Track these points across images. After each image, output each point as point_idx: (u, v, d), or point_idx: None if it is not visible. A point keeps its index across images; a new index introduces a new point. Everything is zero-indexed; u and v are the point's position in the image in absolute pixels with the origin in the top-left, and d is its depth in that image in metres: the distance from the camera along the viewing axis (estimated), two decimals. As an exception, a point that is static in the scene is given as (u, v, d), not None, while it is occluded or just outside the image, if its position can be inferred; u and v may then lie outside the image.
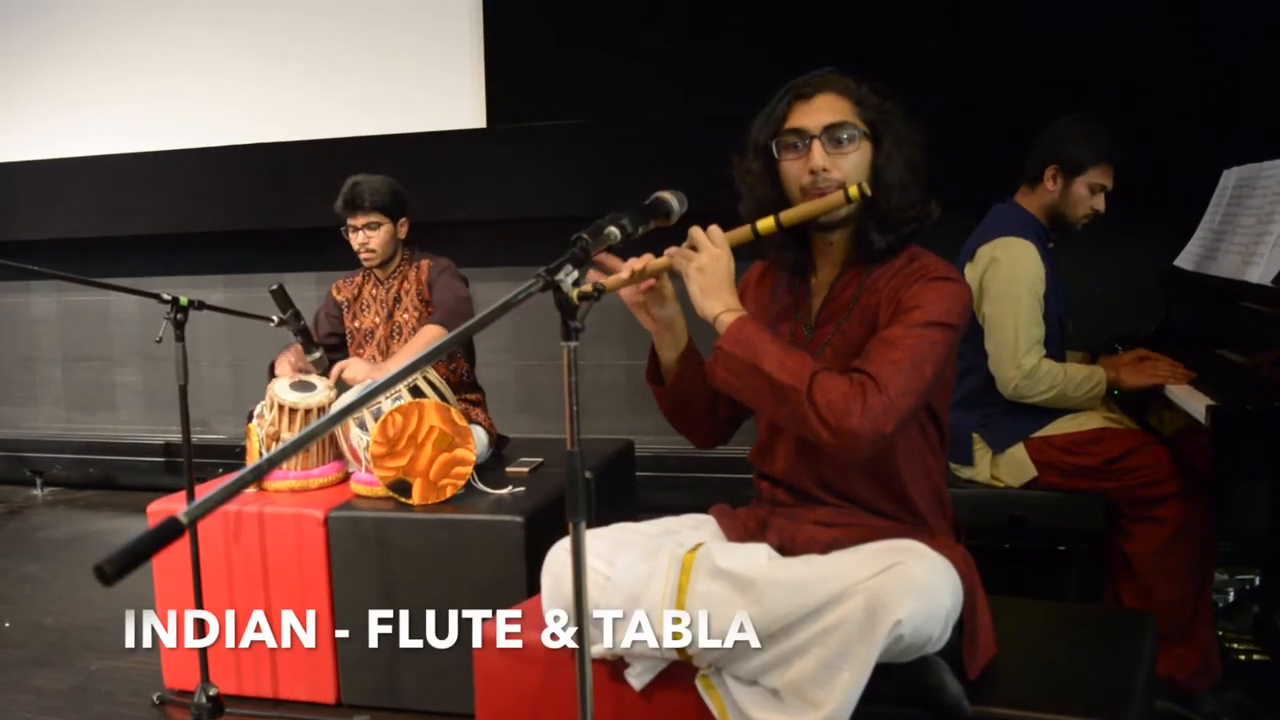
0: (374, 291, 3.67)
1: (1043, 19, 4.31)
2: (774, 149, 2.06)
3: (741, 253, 2.02)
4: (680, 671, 2.02)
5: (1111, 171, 3.10)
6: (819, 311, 2.12)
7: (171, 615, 3.22)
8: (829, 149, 2.00)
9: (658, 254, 2.00)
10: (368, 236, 3.54)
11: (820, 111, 2.02)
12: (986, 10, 4.39)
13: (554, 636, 2.16)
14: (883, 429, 1.83)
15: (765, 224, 1.99)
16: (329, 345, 3.65)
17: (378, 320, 3.64)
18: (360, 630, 3.11)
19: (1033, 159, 3.14)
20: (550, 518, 3.09)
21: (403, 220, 3.60)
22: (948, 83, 4.35)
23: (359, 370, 3.37)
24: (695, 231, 1.96)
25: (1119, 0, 4.24)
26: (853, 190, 1.94)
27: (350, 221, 3.54)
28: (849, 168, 2.00)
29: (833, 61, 2.11)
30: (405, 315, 3.61)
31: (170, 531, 1.06)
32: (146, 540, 1.04)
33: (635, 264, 1.98)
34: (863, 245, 2.06)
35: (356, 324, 3.69)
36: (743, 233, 2.00)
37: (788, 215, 1.99)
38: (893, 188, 2.01)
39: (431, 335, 3.42)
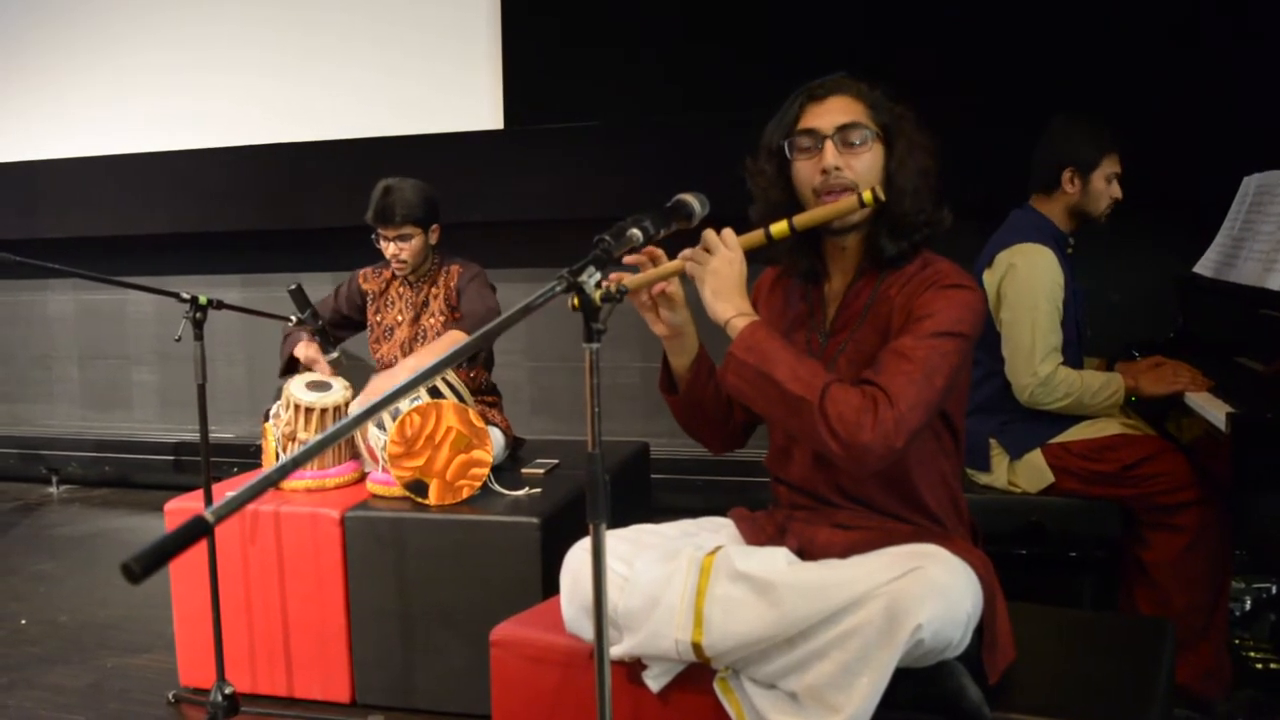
0: (401, 290, 3.65)
1: (1059, 23, 4.30)
2: (786, 150, 2.06)
3: (754, 259, 2.02)
4: (698, 674, 2.02)
5: (1117, 158, 3.13)
6: (833, 319, 2.12)
7: (188, 613, 3.26)
8: (841, 149, 2.01)
9: (674, 257, 2.00)
10: (400, 248, 3.51)
11: (833, 113, 2.03)
12: (1000, 14, 4.38)
13: (572, 637, 2.16)
14: (894, 443, 1.83)
15: (778, 228, 1.99)
16: (336, 324, 3.64)
17: (401, 319, 3.63)
18: (376, 630, 3.13)
19: (1042, 166, 3.15)
20: (566, 519, 3.09)
21: (434, 227, 3.57)
22: (963, 87, 4.34)
23: (380, 386, 3.36)
24: (709, 234, 1.96)
25: (1137, 5, 4.23)
26: (867, 195, 1.94)
27: (381, 232, 3.51)
28: (861, 168, 2.01)
29: (845, 65, 2.12)
30: (431, 320, 3.59)
31: (197, 530, 1.06)
32: (173, 539, 1.04)
33: (647, 270, 1.98)
34: (875, 251, 2.06)
35: (379, 318, 3.68)
36: (756, 236, 2.00)
37: (801, 219, 1.99)
38: (905, 192, 2.01)
39: (454, 340, 3.40)
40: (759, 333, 1.92)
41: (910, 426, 1.84)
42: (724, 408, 2.21)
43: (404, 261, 3.53)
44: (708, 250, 1.96)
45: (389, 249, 3.52)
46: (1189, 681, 2.86)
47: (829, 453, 1.86)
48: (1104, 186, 3.11)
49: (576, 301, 1.53)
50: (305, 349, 3.53)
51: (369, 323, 3.72)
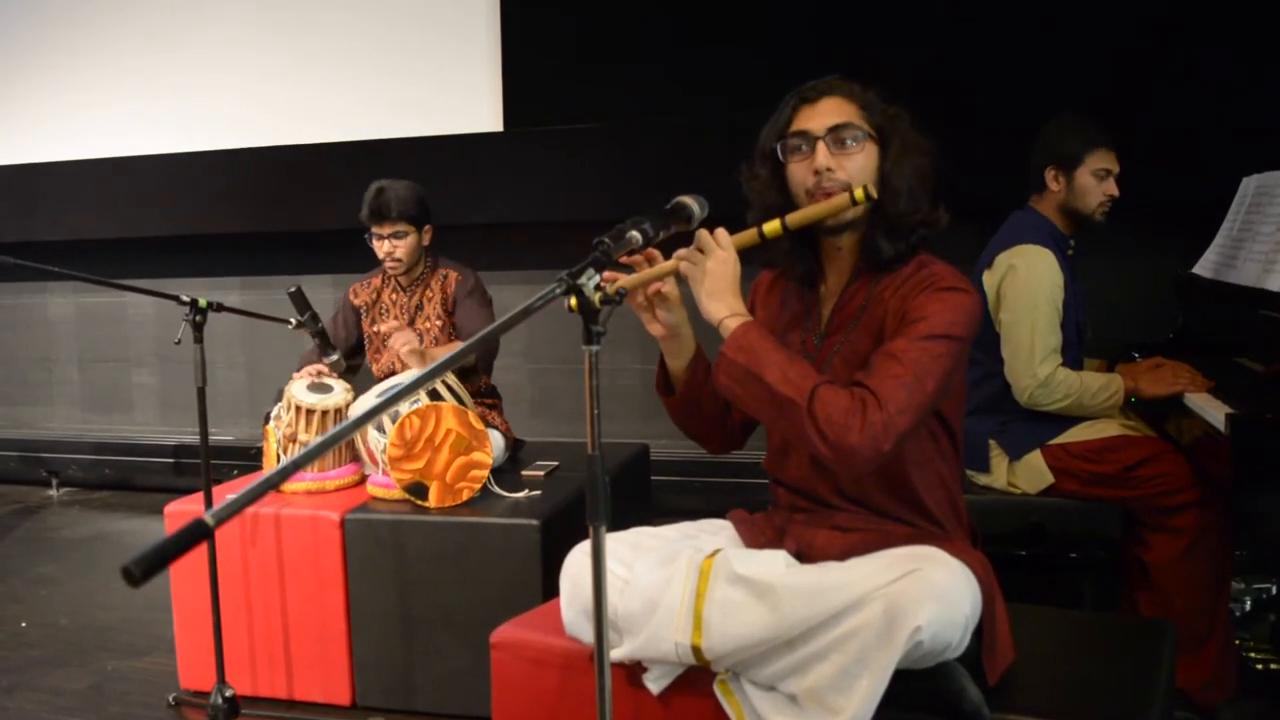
0: (394, 296, 3.66)
1: (1058, 23, 4.31)
2: (779, 153, 2.06)
3: (753, 260, 2.02)
4: (698, 676, 2.02)
5: (1111, 155, 3.12)
6: (828, 320, 2.12)
7: (188, 615, 3.26)
8: (834, 150, 2.00)
9: (670, 257, 2.00)
10: (394, 246, 3.52)
11: (825, 114, 2.03)
12: (999, 14, 4.38)
13: (571, 640, 2.16)
14: (881, 446, 1.82)
15: (771, 227, 1.99)
16: (346, 353, 3.64)
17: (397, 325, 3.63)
18: (376, 632, 3.13)
19: (1031, 168, 3.17)
20: (566, 521, 3.09)
21: (428, 227, 3.58)
22: (963, 88, 4.34)
23: (404, 339, 3.34)
24: (702, 234, 1.95)
25: (1137, 6, 4.23)
26: (858, 192, 1.94)
27: (375, 230, 3.52)
28: (854, 169, 2.00)
29: (844, 65, 2.12)
30: (427, 323, 3.60)
31: (197, 533, 1.06)
32: (174, 542, 1.04)
33: (641, 269, 1.98)
34: (871, 253, 2.06)
35: (375, 328, 3.68)
36: (749, 236, 2.00)
37: (793, 218, 1.99)
38: (899, 193, 2.00)
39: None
40: (751, 333, 1.92)
41: (899, 429, 1.84)
42: (721, 407, 2.21)
43: (399, 260, 3.53)
44: (701, 250, 1.95)
45: (383, 248, 3.53)
46: (1190, 687, 2.86)
47: (818, 454, 1.86)
48: (1092, 183, 3.10)
49: (574, 302, 1.53)
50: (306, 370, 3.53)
51: (365, 335, 3.72)
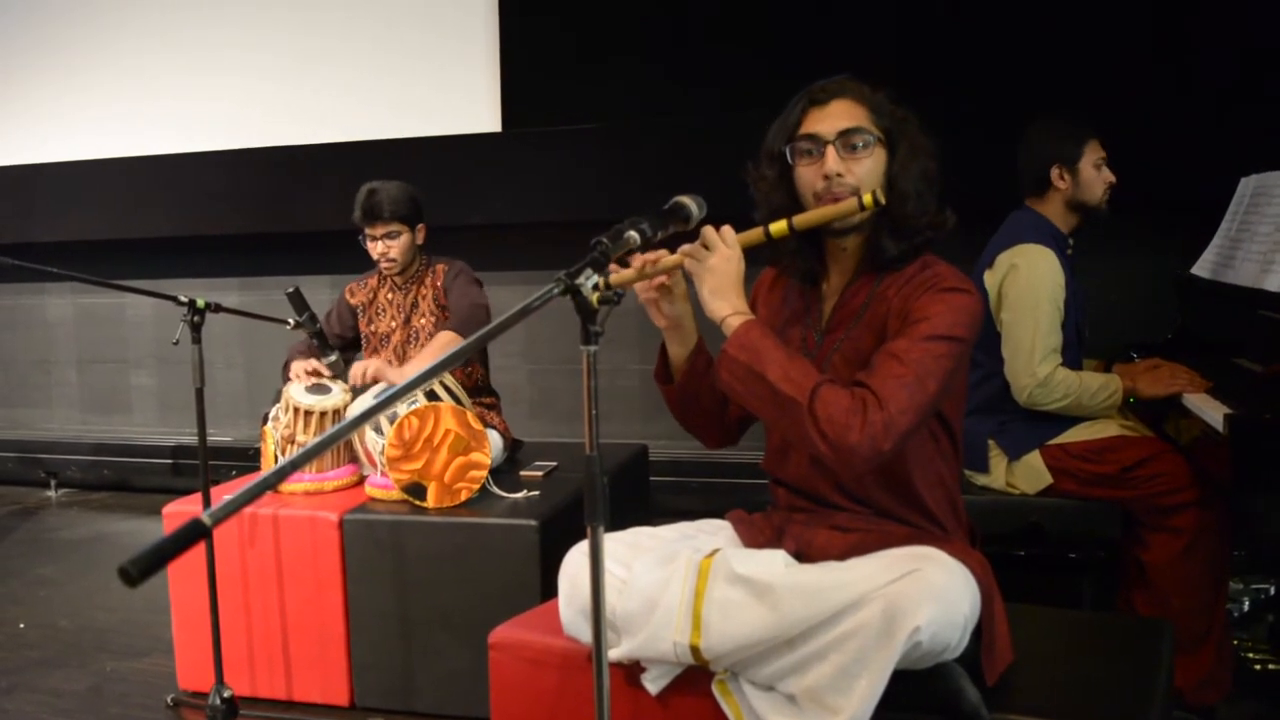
0: (390, 296, 3.67)
1: (1055, 24, 4.31)
2: (788, 155, 2.06)
3: (756, 258, 2.02)
4: (696, 676, 2.02)
5: (1099, 143, 3.16)
6: (829, 317, 2.12)
7: (186, 616, 3.25)
8: (843, 154, 2.00)
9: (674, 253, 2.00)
10: (388, 246, 3.53)
11: (835, 117, 2.02)
12: (997, 15, 4.38)
13: (570, 640, 2.16)
14: (881, 446, 1.82)
15: (778, 227, 1.99)
16: (339, 348, 3.65)
17: (394, 324, 3.64)
18: (374, 633, 3.13)
19: (1030, 170, 3.18)
20: (565, 522, 3.09)
21: (420, 226, 3.60)
22: (962, 88, 4.34)
23: (371, 368, 3.37)
24: (708, 231, 1.95)
25: (1135, 7, 4.23)
26: (867, 198, 1.94)
27: (369, 231, 3.53)
28: (863, 173, 2.00)
29: (843, 66, 2.11)
30: (422, 320, 3.61)
31: (194, 533, 1.06)
32: (171, 542, 1.04)
33: (647, 259, 1.98)
34: (875, 253, 2.06)
35: (372, 328, 3.69)
36: (755, 234, 2.00)
37: (801, 219, 1.99)
38: (907, 196, 2.00)
39: (446, 341, 3.41)
40: (753, 332, 1.92)
41: (900, 429, 1.84)
42: (719, 401, 2.21)
43: (393, 260, 3.54)
44: (706, 247, 1.95)
45: (377, 248, 3.54)
46: (1187, 687, 2.86)
47: (818, 453, 1.86)
48: (1094, 174, 3.14)
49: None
50: (297, 368, 3.53)
51: (362, 334, 3.73)
